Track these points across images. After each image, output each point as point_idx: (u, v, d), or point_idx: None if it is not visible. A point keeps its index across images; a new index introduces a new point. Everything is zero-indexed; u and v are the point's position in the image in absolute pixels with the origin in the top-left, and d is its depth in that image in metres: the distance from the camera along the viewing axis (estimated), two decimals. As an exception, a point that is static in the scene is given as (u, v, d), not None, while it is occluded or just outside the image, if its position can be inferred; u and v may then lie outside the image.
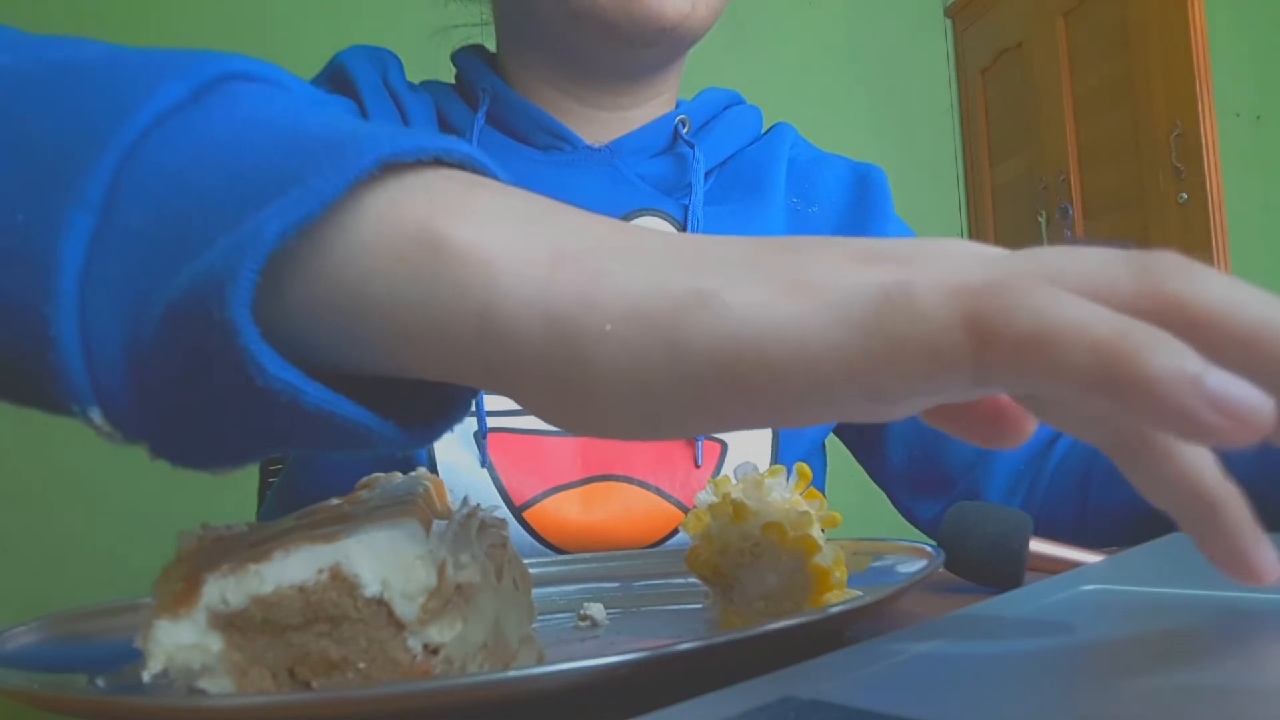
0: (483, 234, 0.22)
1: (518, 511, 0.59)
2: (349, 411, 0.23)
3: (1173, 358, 0.18)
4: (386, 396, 0.26)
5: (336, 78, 0.65)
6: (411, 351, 0.23)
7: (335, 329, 0.23)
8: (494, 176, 0.25)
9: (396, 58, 0.67)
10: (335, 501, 0.32)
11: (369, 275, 0.23)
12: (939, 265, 0.21)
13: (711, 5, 0.61)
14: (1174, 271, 0.20)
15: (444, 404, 0.27)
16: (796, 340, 0.20)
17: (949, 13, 2.62)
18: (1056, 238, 2.19)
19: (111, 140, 0.24)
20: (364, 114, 0.63)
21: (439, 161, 0.24)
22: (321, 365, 0.24)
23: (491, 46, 0.71)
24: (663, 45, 0.62)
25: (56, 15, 1.88)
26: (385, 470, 0.38)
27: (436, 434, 0.26)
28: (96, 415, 0.24)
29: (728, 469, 0.62)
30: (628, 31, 0.60)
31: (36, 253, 0.23)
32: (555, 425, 0.23)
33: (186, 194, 0.24)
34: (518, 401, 0.23)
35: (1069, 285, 0.20)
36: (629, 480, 0.61)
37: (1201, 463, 0.23)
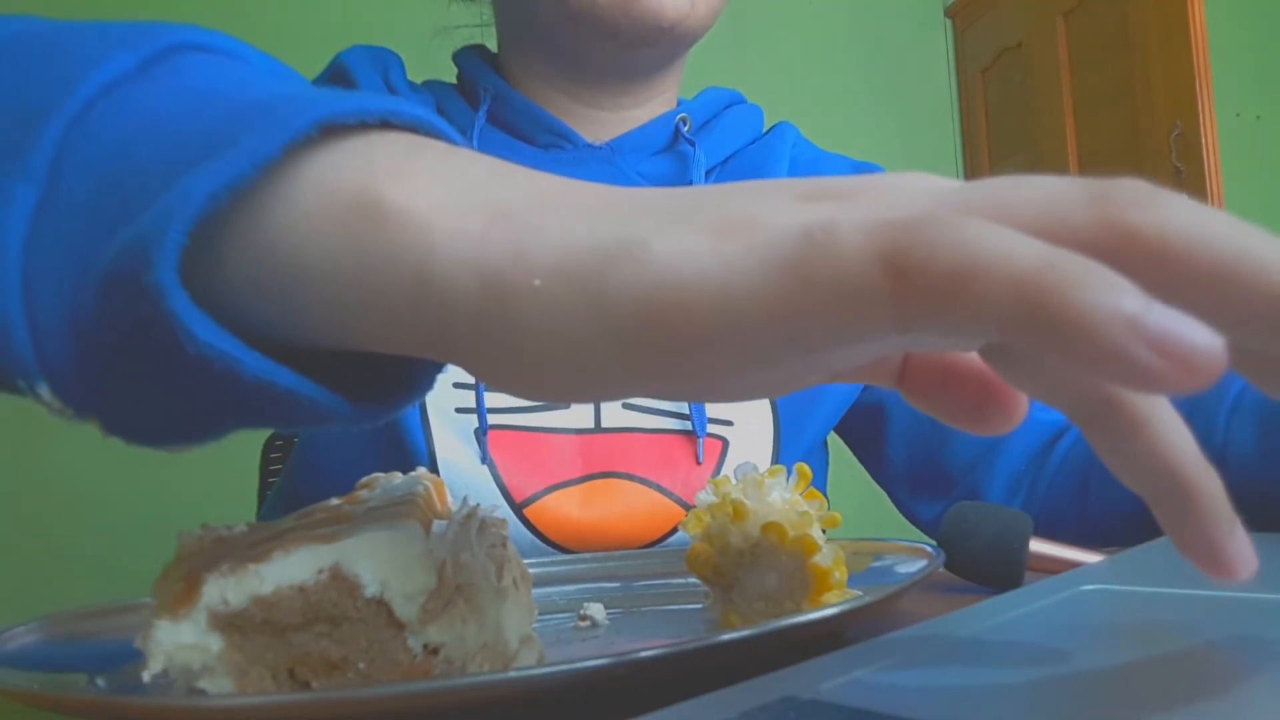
0: (420, 196, 0.22)
1: (518, 509, 0.59)
2: (289, 381, 0.23)
3: (1106, 292, 0.16)
4: (350, 374, 0.25)
5: (338, 77, 0.66)
6: (351, 319, 0.23)
7: (277, 299, 0.23)
8: (445, 138, 0.25)
9: (398, 57, 0.67)
10: (335, 501, 0.32)
11: (307, 241, 0.22)
12: (879, 200, 0.20)
13: (711, 4, 0.62)
14: (1134, 199, 0.18)
15: (405, 382, 0.26)
16: (718, 286, 0.19)
17: (949, 13, 2.62)
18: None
19: (55, 111, 0.24)
20: None
21: (387, 124, 0.24)
22: (271, 340, 0.24)
23: (493, 47, 0.71)
24: (662, 45, 0.62)
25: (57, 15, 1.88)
26: (385, 470, 0.38)
27: (390, 411, 0.26)
28: (44, 390, 0.24)
29: (729, 466, 0.62)
30: (626, 31, 0.60)
31: None
32: (494, 386, 0.22)
33: (127, 163, 0.23)
34: (456, 364, 0.22)
35: (1018, 218, 0.18)
36: (630, 477, 0.61)
37: (1175, 438, 0.21)
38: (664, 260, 0.19)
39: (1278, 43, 2.02)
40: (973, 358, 0.25)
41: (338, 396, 0.24)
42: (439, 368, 0.26)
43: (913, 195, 0.20)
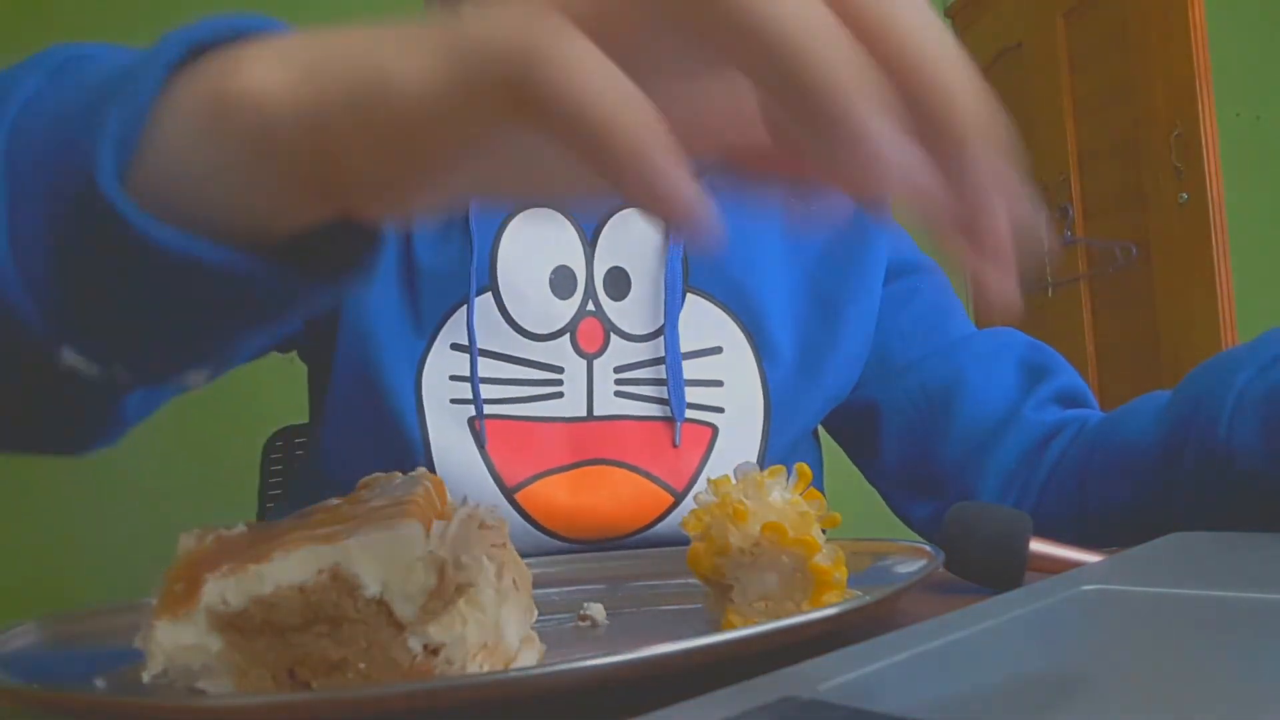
0: (250, 76, 0.27)
1: (509, 493, 0.60)
2: (248, 264, 0.28)
3: (650, 134, 0.21)
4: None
5: None
6: (237, 199, 0.28)
7: (187, 198, 0.28)
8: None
9: None
10: (335, 501, 0.32)
11: (187, 143, 0.28)
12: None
13: None
14: None
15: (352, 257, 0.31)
16: (410, 85, 0.24)
17: (949, 13, 2.62)
18: (1056, 237, 2.19)
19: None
20: None
21: (243, 36, 0.29)
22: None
23: None
24: None
25: (57, 16, 1.88)
26: (385, 470, 0.38)
27: (349, 281, 0.31)
28: (68, 353, 0.30)
29: (718, 452, 0.62)
30: None
31: None
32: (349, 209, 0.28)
33: (55, 132, 0.30)
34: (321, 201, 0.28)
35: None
36: (618, 464, 0.61)
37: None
38: (387, 64, 0.25)
39: (1278, 42, 2.02)
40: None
41: (290, 266, 0.29)
42: (371, 237, 0.31)
43: None
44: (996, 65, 2.47)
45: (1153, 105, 1.96)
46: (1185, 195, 1.88)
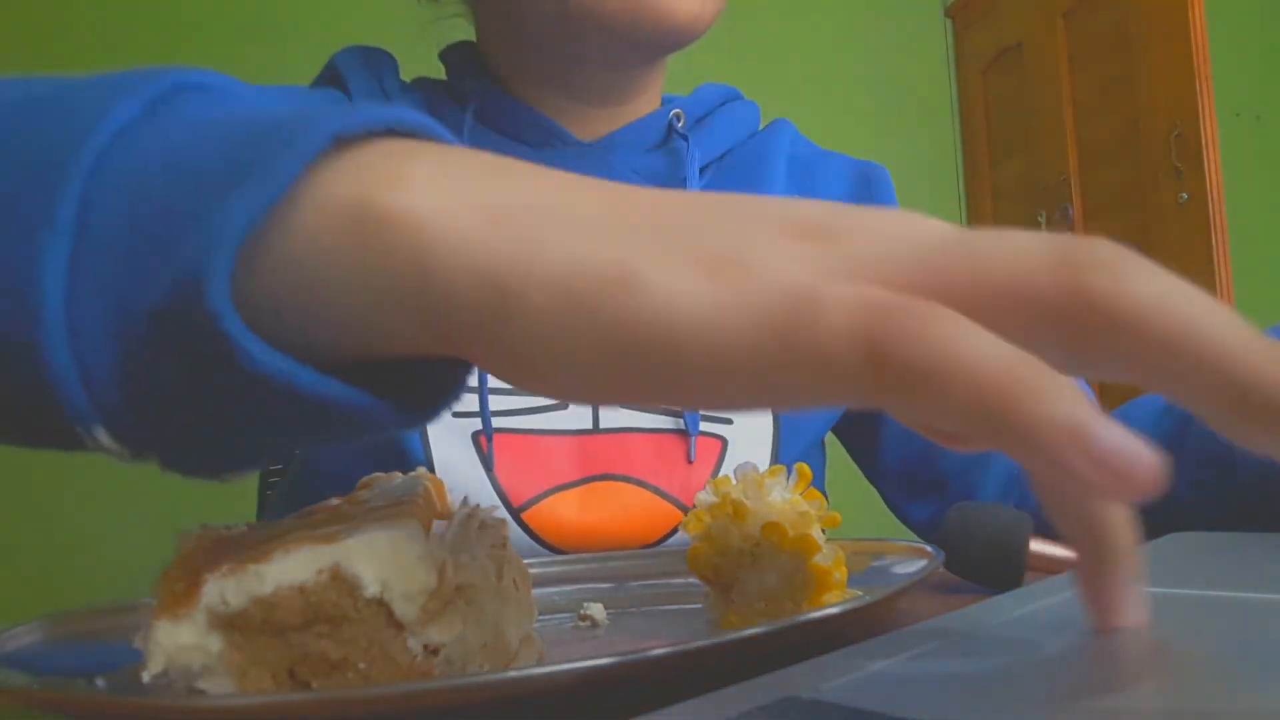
0: (417, 199, 0.22)
1: (516, 513, 0.59)
2: (343, 394, 0.24)
3: (1058, 405, 0.17)
4: (375, 383, 0.26)
5: (332, 80, 0.65)
6: (362, 326, 0.24)
7: (298, 313, 0.24)
8: (445, 141, 0.26)
9: (392, 59, 0.67)
10: (335, 501, 0.32)
11: (317, 254, 0.23)
12: (862, 255, 0.21)
13: (719, 4, 0.61)
14: (1099, 265, 0.19)
15: (436, 386, 0.27)
16: (706, 331, 0.20)
17: (949, 13, 2.62)
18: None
19: (72, 164, 0.24)
20: None
21: (392, 132, 0.25)
22: (293, 350, 0.24)
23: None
24: (669, 47, 0.62)
25: (60, 15, 1.88)
26: (385, 470, 0.38)
27: (432, 414, 0.27)
28: (103, 435, 0.24)
29: (728, 465, 0.62)
30: (634, 34, 0.59)
31: (18, 284, 0.24)
32: (500, 377, 0.23)
33: (152, 201, 0.24)
34: (464, 357, 0.24)
35: (991, 283, 0.20)
36: (628, 479, 0.60)
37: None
38: (657, 295, 0.20)
39: (1278, 43, 2.02)
40: None
41: (386, 403, 0.25)
42: (467, 367, 0.27)
43: (893, 248, 0.21)
44: (996, 65, 2.47)
45: (1153, 105, 1.96)
46: (1185, 195, 1.88)
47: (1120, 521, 0.24)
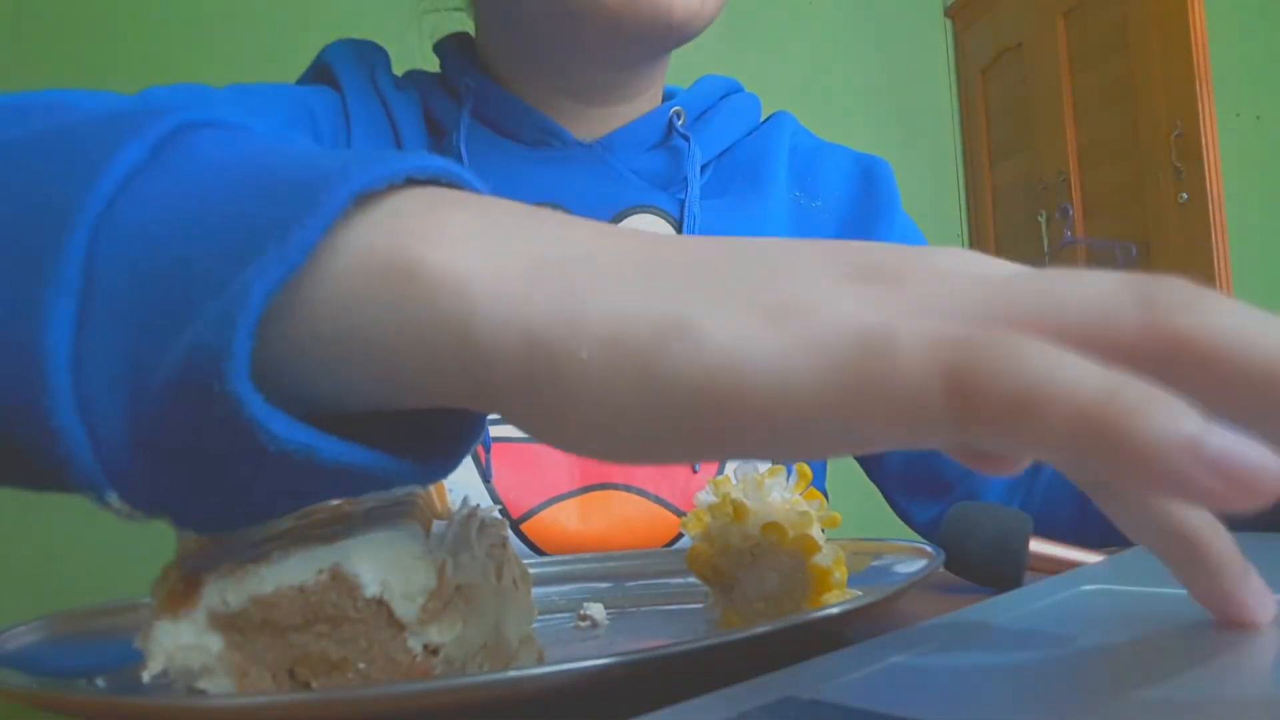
0: (455, 253, 0.22)
1: (515, 525, 0.58)
2: (364, 459, 0.23)
3: (1168, 419, 0.16)
4: (389, 433, 0.26)
5: (322, 75, 0.65)
6: (397, 382, 0.23)
7: (323, 370, 0.23)
8: (470, 187, 0.25)
9: (384, 53, 0.66)
10: (335, 501, 0.32)
11: (348, 311, 0.22)
12: (931, 293, 0.20)
13: (719, 1, 0.61)
14: (1181, 304, 0.19)
15: (452, 433, 0.27)
16: (776, 378, 0.19)
17: (949, 13, 2.62)
18: (1056, 237, 2.19)
19: (78, 213, 0.23)
20: (346, 115, 0.62)
21: (412, 180, 0.24)
22: (315, 408, 0.24)
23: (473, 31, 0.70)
24: (668, 44, 0.61)
25: (59, 15, 1.88)
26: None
27: (453, 464, 0.26)
28: (114, 499, 0.24)
29: (729, 471, 0.61)
30: (632, 30, 0.58)
31: (22, 344, 0.23)
32: (542, 440, 0.22)
33: (163, 256, 0.23)
34: (505, 418, 0.23)
35: (1066, 324, 0.19)
36: (627, 488, 0.60)
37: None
38: (719, 344, 0.19)
39: (1278, 42, 2.02)
40: None
41: (406, 462, 0.24)
42: (483, 418, 0.26)
43: (962, 288, 0.20)
44: (996, 65, 2.47)
45: (1153, 105, 1.95)
46: (1185, 195, 1.87)
47: (1208, 522, 0.23)
